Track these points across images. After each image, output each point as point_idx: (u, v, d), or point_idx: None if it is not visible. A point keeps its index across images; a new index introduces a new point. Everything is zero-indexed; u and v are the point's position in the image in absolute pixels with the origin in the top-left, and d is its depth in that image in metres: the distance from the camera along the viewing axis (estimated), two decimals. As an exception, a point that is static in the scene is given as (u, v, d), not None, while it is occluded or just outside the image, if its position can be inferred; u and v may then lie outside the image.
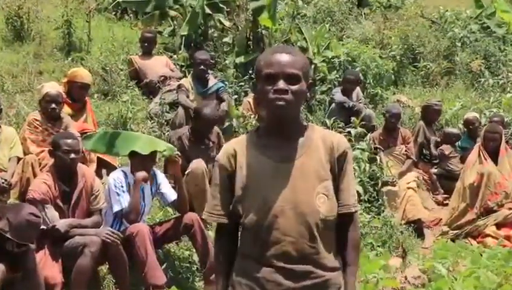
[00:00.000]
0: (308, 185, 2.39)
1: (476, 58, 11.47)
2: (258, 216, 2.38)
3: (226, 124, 7.40)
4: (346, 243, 2.49)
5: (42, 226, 4.46)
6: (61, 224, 4.71)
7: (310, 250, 2.39)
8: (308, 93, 2.47)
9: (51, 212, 4.74)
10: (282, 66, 2.36)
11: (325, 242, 2.42)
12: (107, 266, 5.03)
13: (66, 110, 6.28)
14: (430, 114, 8.53)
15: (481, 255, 5.50)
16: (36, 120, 5.96)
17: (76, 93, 6.51)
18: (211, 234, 5.41)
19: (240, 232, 2.50)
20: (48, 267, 4.57)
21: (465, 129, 8.58)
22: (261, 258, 2.40)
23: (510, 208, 6.81)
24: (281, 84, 2.34)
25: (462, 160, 7.89)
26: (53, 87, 6.12)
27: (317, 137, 2.47)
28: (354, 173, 6.90)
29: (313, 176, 2.40)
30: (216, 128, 6.61)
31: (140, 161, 5.09)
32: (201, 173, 5.97)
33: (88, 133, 5.59)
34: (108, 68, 8.30)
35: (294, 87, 2.36)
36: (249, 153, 2.45)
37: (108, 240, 4.64)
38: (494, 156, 6.99)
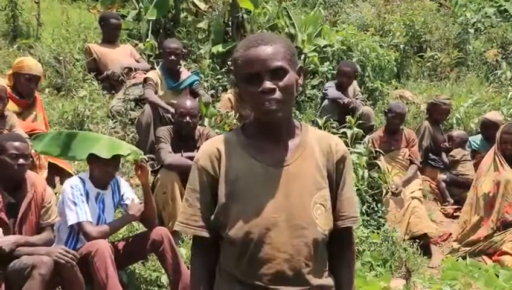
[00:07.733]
0: (305, 193, 2.40)
1: (492, 46, 11.57)
2: (247, 228, 2.36)
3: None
4: (341, 261, 2.51)
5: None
6: (6, 242, 4.66)
7: (306, 269, 2.39)
8: (300, 80, 2.46)
9: (-6, 228, 4.70)
10: (262, 61, 2.34)
11: (320, 259, 2.43)
12: (61, 291, 5.00)
13: (11, 107, 6.23)
14: (436, 113, 8.55)
15: (497, 276, 5.55)
16: (-26, 119, 5.93)
17: (24, 87, 6.47)
18: (182, 251, 5.41)
19: (222, 248, 2.47)
20: (-11, 292, 4.54)
21: (483, 131, 8.45)
22: (247, 278, 2.39)
23: (531, 222, 6.82)
24: (267, 84, 2.32)
25: (475, 165, 7.92)
26: (-5, 80, 6.09)
27: (312, 139, 2.48)
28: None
29: (309, 183, 2.41)
30: (205, 131, 6.52)
31: (101, 166, 5.08)
32: (172, 178, 5.97)
33: (39, 133, 5.55)
34: (61, 58, 8.25)
35: (282, 83, 2.35)
36: (236, 155, 2.43)
37: (62, 261, 4.61)
38: (512, 162, 7.02)
